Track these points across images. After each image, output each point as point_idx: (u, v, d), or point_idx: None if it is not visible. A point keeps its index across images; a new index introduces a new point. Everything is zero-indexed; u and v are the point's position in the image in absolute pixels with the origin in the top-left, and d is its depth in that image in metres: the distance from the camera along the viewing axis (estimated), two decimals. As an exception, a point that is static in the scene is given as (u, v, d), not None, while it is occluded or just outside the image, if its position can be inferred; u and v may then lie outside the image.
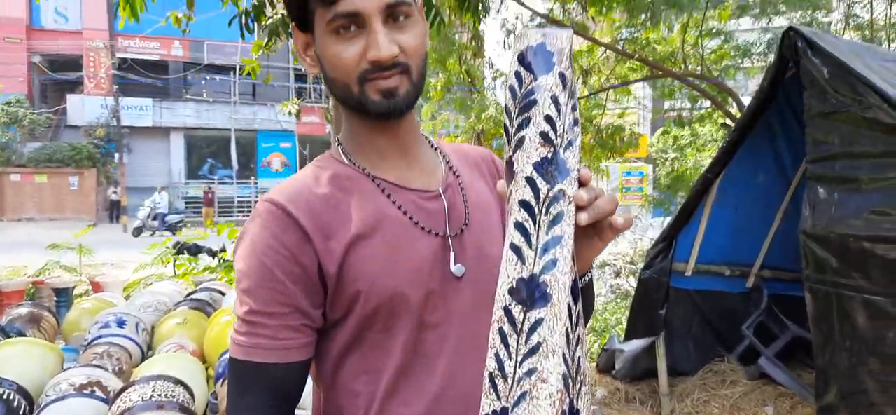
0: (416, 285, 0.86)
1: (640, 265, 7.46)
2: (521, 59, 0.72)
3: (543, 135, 0.70)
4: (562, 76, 0.71)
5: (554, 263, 0.69)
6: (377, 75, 0.85)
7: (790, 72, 2.88)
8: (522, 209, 0.71)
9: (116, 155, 22.15)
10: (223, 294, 3.02)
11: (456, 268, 0.90)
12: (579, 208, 0.71)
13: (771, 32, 5.07)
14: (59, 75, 23.01)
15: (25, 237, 16.13)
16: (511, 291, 0.70)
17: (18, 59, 22.54)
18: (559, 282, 0.69)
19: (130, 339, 2.39)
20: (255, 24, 4.32)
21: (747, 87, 7.48)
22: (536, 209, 0.70)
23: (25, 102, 22.11)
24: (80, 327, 2.61)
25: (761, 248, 4.00)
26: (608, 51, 6.73)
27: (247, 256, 0.84)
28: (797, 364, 3.88)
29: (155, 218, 18.16)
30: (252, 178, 24.79)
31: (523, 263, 0.70)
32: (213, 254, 7.24)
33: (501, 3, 6.51)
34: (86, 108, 22.92)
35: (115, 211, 21.83)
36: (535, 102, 0.71)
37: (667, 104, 9.51)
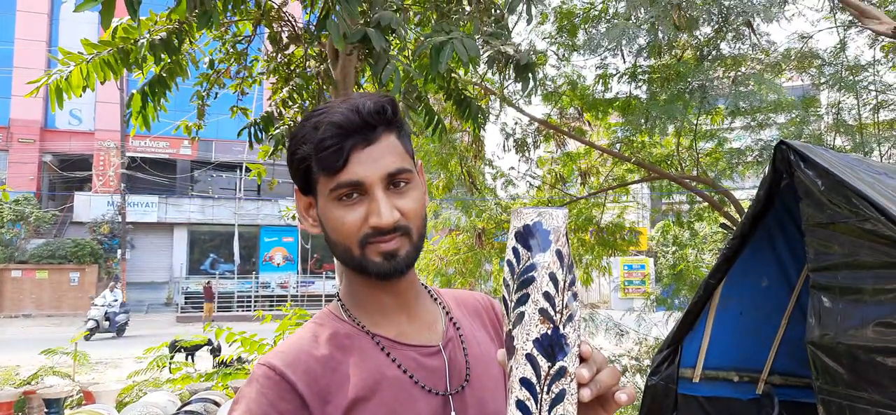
0: None
1: (646, 362, 7.32)
2: (518, 237, 0.73)
3: (543, 311, 0.71)
4: (559, 254, 0.72)
5: None
6: (378, 239, 0.87)
7: (784, 182, 2.92)
8: (523, 387, 0.71)
9: (119, 251, 22.22)
10: (217, 405, 2.95)
11: None
12: (581, 385, 0.71)
13: (762, 141, 5.21)
14: (68, 174, 23.44)
15: (22, 335, 15.93)
16: None
17: (30, 159, 23.05)
18: None
19: (122, 456, 2.32)
20: (263, 134, 4.46)
21: (743, 186, 7.59)
22: (538, 387, 0.70)
23: (33, 200, 22.42)
24: (71, 443, 2.54)
25: (769, 353, 3.92)
26: (605, 153, 6.88)
27: None
28: (814, 477, 3.72)
29: (107, 319, 16.57)
30: (253, 273, 24.75)
31: None
32: (215, 351, 7.13)
33: (501, 109, 6.71)
34: (92, 205, 23.24)
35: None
36: (533, 279, 0.72)
37: (665, 200, 9.63)
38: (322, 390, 0.84)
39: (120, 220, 22.46)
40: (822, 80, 4.95)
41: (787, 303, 3.87)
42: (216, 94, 4.98)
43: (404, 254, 0.88)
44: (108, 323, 16.30)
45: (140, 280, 23.25)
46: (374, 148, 0.87)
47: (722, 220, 6.06)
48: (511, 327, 0.73)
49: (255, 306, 22.32)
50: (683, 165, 6.04)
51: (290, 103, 4.56)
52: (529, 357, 0.71)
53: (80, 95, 3.68)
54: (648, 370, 3.90)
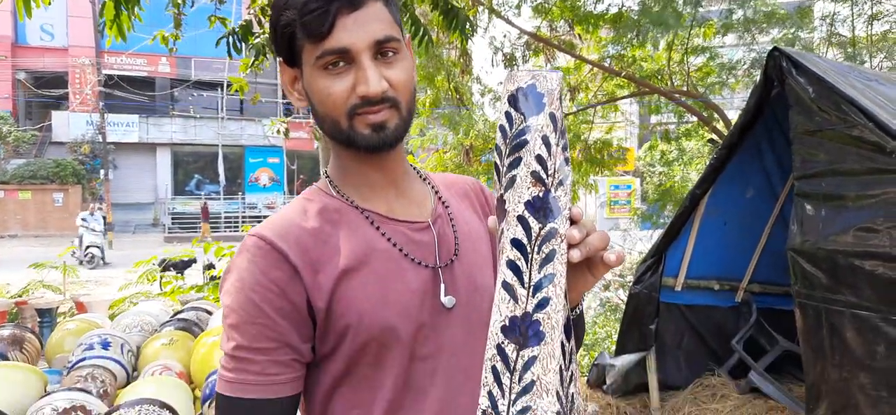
0: (406, 318, 0.85)
1: (630, 279, 7.49)
2: (512, 101, 0.72)
3: (534, 174, 0.71)
4: (552, 117, 0.72)
5: (547, 301, 0.69)
6: (366, 110, 0.85)
7: (775, 90, 2.91)
8: (514, 248, 0.71)
9: (102, 171, 21.97)
10: (210, 313, 2.98)
11: (446, 300, 0.89)
12: (571, 246, 0.71)
13: (755, 51, 5.15)
14: (44, 92, 22.83)
15: (8, 255, 15.91)
16: (504, 330, 0.70)
17: (3, 77, 22.36)
18: (552, 320, 0.69)
19: (115, 361, 2.35)
20: (243, 44, 4.32)
21: (733, 103, 7.58)
22: (528, 248, 0.70)
23: (10, 119, 21.91)
24: (64, 349, 2.56)
25: (750, 262, 4.02)
26: (595, 68, 6.79)
27: (235, 292, 0.83)
28: (787, 378, 3.90)
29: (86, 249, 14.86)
30: (239, 193, 24.67)
31: (516, 301, 0.70)
32: (209, 267, 7.16)
33: (489, 21, 6.55)
34: (71, 124, 22.76)
35: (100, 228, 21.57)
36: (525, 143, 0.71)
37: (653, 119, 9.61)
38: (313, 260, 0.84)
39: (100, 140, 22.07)
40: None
41: (771, 213, 3.94)
42: (193, 3, 4.80)
43: (393, 126, 0.86)
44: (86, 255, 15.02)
45: (125, 201, 23.10)
46: (360, 13, 0.83)
47: (711, 136, 6.08)
48: (502, 191, 0.73)
49: (242, 227, 22.36)
50: (674, 80, 5.99)
51: (270, 11, 4.41)
52: (521, 219, 0.71)
53: (50, 3, 3.51)
54: (631, 282, 3.99)
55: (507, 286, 0.71)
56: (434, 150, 8.31)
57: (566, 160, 0.73)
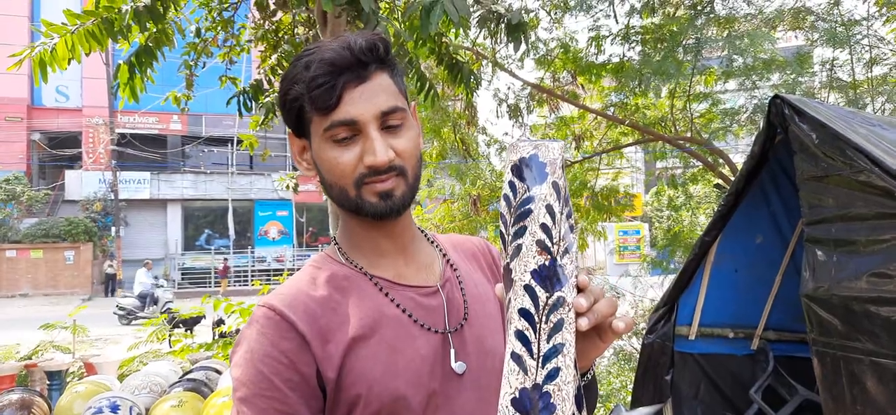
0: (417, 387, 0.85)
1: (643, 326, 7.39)
2: (515, 171, 0.73)
3: (540, 243, 0.71)
4: (555, 186, 0.72)
5: (557, 371, 0.69)
6: (374, 179, 0.86)
7: (779, 137, 2.92)
8: (522, 318, 0.71)
9: (113, 228, 22.16)
10: (219, 373, 2.96)
11: (457, 365, 0.89)
12: (579, 314, 0.71)
13: (756, 98, 5.19)
14: (57, 152, 23.24)
15: (19, 314, 15.93)
16: (514, 402, 0.69)
17: (18, 138, 22.81)
18: (563, 391, 0.69)
19: (124, 425, 2.33)
20: (253, 103, 4.41)
21: (737, 147, 7.60)
22: (536, 317, 0.70)
23: (24, 179, 22.25)
24: (73, 412, 2.55)
25: (764, 309, 3.96)
26: (599, 116, 6.85)
27: (244, 364, 0.83)
28: (807, 429, 3.79)
29: (142, 299, 15.66)
30: (249, 247, 24.76)
31: (525, 372, 0.69)
32: (218, 323, 7.14)
33: (493, 74, 6.66)
34: (84, 183, 23.09)
35: (110, 285, 21.68)
36: (530, 211, 0.71)
37: (659, 164, 9.63)
38: (322, 329, 0.84)
39: (112, 197, 22.34)
40: (816, 36, 4.92)
41: (782, 259, 3.90)
42: (204, 63, 4.92)
43: (400, 194, 0.88)
44: (144, 302, 15.38)
45: (135, 257, 23.20)
46: (366, 86, 0.85)
47: (716, 180, 6.08)
48: (509, 260, 0.73)
49: (252, 280, 22.39)
50: (677, 126, 6.03)
51: (280, 71, 4.51)
52: (528, 288, 0.71)
53: (66, 68, 3.61)
54: (644, 330, 3.94)
55: (516, 357, 0.70)
56: (442, 200, 8.35)
57: (571, 228, 0.74)
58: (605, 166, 7.98)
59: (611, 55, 6.33)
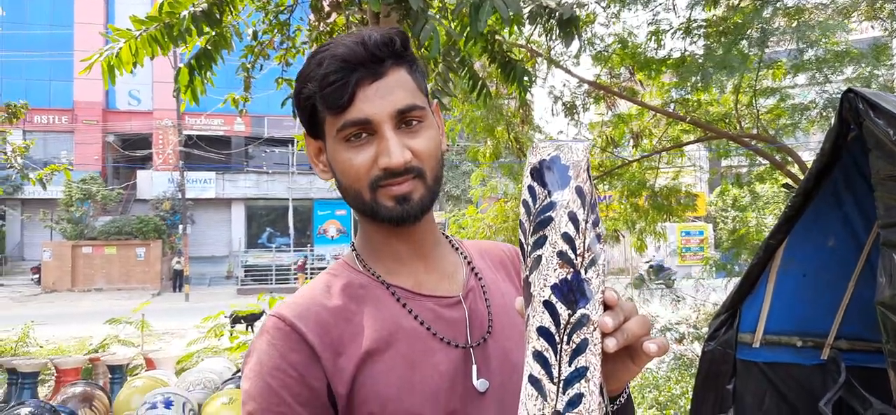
0: (434, 405, 0.79)
1: (704, 329, 7.12)
2: (534, 174, 0.67)
3: (561, 254, 0.64)
4: (579, 191, 0.66)
5: (579, 398, 0.62)
6: (389, 182, 0.82)
7: (852, 133, 2.73)
8: (541, 337, 0.64)
9: (180, 226, 23.13)
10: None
11: (479, 383, 0.82)
12: (605, 334, 0.64)
13: (828, 92, 4.89)
14: (130, 153, 24.44)
15: (93, 308, 16.82)
16: None
17: (93, 140, 24.09)
18: None
19: (178, 419, 2.39)
20: (307, 103, 4.46)
21: (807, 145, 7.20)
22: (557, 337, 0.64)
23: (99, 179, 23.51)
24: (131, 406, 2.64)
25: (835, 317, 3.72)
26: (659, 113, 6.63)
27: (253, 377, 0.79)
28: (884, 446, 3.54)
29: None
30: (308, 245, 25.33)
31: (544, 398, 0.63)
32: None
33: (548, 71, 6.55)
34: (154, 182, 24.19)
35: (178, 280, 22.61)
36: (550, 220, 0.65)
37: (723, 162, 9.26)
38: (334, 340, 0.80)
39: (180, 196, 23.32)
40: (895, 25, 4.59)
41: (855, 263, 3.65)
42: (261, 66, 5.02)
43: (418, 198, 0.83)
44: None
45: (201, 254, 24.16)
46: (381, 83, 0.81)
47: (785, 180, 5.77)
48: (528, 272, 0.67)
49: (310, 278, 22.87)
50: (743, 123, 5.76)
51: (296, 78, 4.56)
52: (547, 304, 0.64)
53: (131, 71, 3.75)
54: (705, 336, 3.77)
55: (534, 381, 0.64)
56: (495, 199, 8.28)
57: (598, 238, 0.67)
58: (665, 165, 7.72)
59: (671, 50, 6.11)
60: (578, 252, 0.65)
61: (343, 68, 0.80)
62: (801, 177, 5.54)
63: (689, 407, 4.05)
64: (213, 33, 3.85)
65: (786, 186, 5.84)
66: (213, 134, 25.04)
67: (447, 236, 0.97)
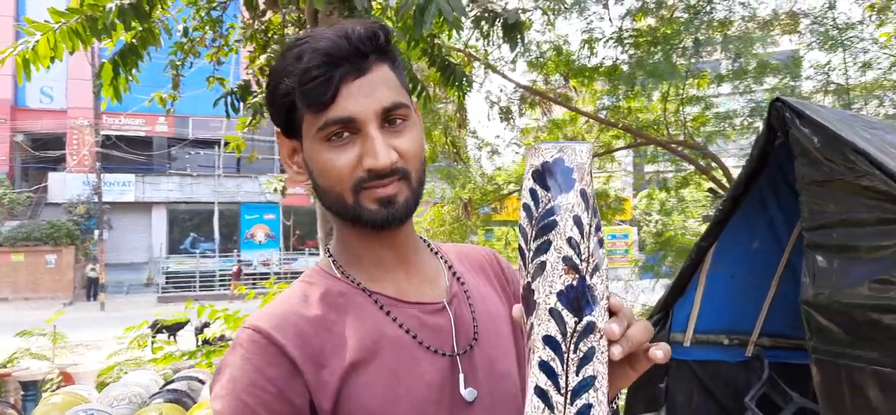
0: None
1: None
2: (537, 177, 0.64)
3: (567, 260, 0.62)
4: (583, 194, 0.63)
5: (588, 409, 0.60)
6: (374, 184, 0.77)
7: (779, 140, 2.87)
8: (547, 347, 0.62)
9: (96, 231, 21.88)
10: (202, 382, 2.86)
11: (467, 392, 0.79)
12: (611, 342, 0.63)
13: (753, 101, 5.17)
14: (41, 154, 22.93)
15: (-1, 319, 15.63)
16: None
17: (1, 139, 22.48)
18: None
19: (102, 438, 2.23)
20: (241, 104, 4.32)
21: (729, 151, 7.60)
22: (564, 346, 0.61)
23: (6, 182, 21.92)
24: (49, 426, 2.44)
25: (759, 315, 3.92)
26: (591, 119, 6.82)
27: (226, 395, 0.73)
28: (803, 437, 3.75)
29: None
30: (235, 251, 24.54)
31: (552, 410, 0.61)
32: (201, 330, 7.00)
33: (485, 76, 6.61)
34: (67, 185, 22.77)
35: (92, 288, 21.36)
36: (554, 224, 0.63)
37: (648, 167, 9.63)
38: (315, 352, 0.75)
39: (96, 200, 22.04)
40: (811, 38, 4.91)
41: (777, 266, 3.86)
42: (191, 64, 4.81)
43: (403, 200, 0.79)
44: None
45: (119, 261, 22.93)
46: (366, 79, 0.76)
47: (709, 185, 6.05)
48: (530, 279, 0.64)
49: (246, 287, 22.15)
50: (670, 130, 6.00)
51: (269, 72, 4.42)
52: (553, 312, 0.62)
53: (49, 67, 3.51)
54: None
55: (540, 392, 0.61)
56: (432, 203, 8.28)
57: (600, 243, 0.65)
58: (597, 170, 7.95)
59: (604, 58, 6.30)
60: (584, 258, 0.63)
61: (325, 63, 0.75)
62: (725, 181, 5.83)
63: (623, 406, 4.16)
64: (141, 28, 3.65)
65: (711, 190, 6.13)
66: (133, 134, 23.82)
67: (425, 240, 0.93)
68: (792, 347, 3.91)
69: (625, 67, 5.86)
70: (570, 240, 0.62)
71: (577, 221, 0.63)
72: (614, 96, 6.36)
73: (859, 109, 4.70)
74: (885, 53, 4.78)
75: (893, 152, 2.39)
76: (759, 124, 5.38)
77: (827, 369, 2.48)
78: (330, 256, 0.87)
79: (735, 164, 6.37)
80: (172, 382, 2.85)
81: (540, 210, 0.64)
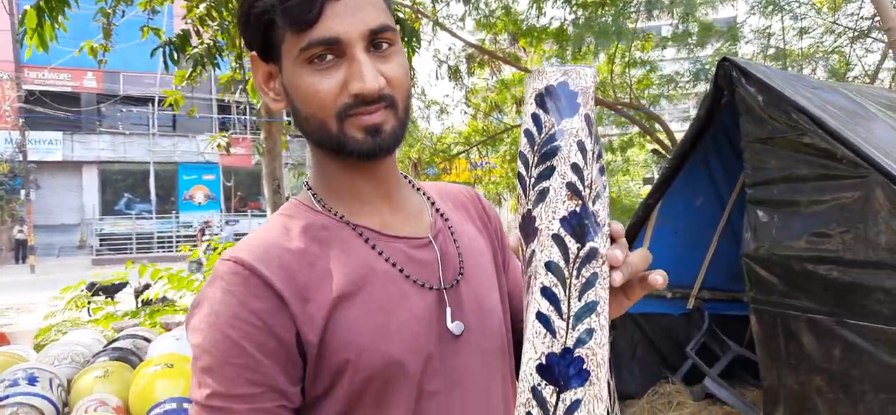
0: (412, 350, 0.74)
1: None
2: (539, 101, 0.63)
3: (570, 186, 0.61)
4: (587, 119, 0.63)
5: (590, 333, 0.60)
6: (360, 110, 0.73)
7: (724, 99, 2.96)
8: (550, 272, 0.61)
9: (22, 192, 20.70)
10: (148, 341, 2.77)
11: (454, 326, 0.78)
12: (613, 267, 0.63)
13: (698, 63, 5.31)
14: (-45, 108, 21.36)
15: (-85, 285, 14.68)
16: (540, 369, 0.60)
17: None
18: (597, 356, 0.60)
19: (44, 397, 2.14)
20: (179, 55, 4.10)
21: (672, 114, 7.81)
22: (566, 272, 0.61)
23: (-83, 138, 20.38)
24: (-17, 388, 2.31)
25: (700, 270, 4.09)
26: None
27: (207, 329, 0.69)
28: (739, 383, 3.97)
29: None
30: (173, 212, 23.74)
31: (553, 335, 0.60)
32: (141, 291, 6.75)
33: (433, 34, 6.52)
34: (-13, 143, 21.38)
35: (21, 251, 20.31)
36: (558, 149, 0.62)
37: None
38: (301, 286, 0.72)
39: (21, 158, 20.80)
40: (753, 1, 5.06)
41: (718, 222, 4.03)
42: (123, 12, 4.53)
43: (390, 129, 0.75)
44: None
45: (49, 223, 21.81)
46: None
47: (653, 146, 6.22)
48: (531, 206, 0.63)
49: (177, 246, 21.49)
50: (616, 92, 6.10)
51: (209, 21, 4.20)
52: (556, 238, 0.61)
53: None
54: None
55: (542, 317, 0.61)
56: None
57: (601, 170, 0.64)
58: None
59: (552, 19, 6.32)
60: (587, 183, 0.62)
61: None
62: (668, 142, 6.00)
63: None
64: (69, -30, 3.40)
65: (654, 151, 6.29)
66: (59, 90, 22.46)
67: (406, 177, 0.91)
68: (729, 299, 4.12)
69: (572, 28, 5.90)
70: (574, 166, 0.62)
71: (581, 147, 0.62)
72: (562, 58, 6.41)
73: (797, 72, 4.91)
74: (822, 20, 4.98)
75: (833, 111, 2.50)
76: (702, 87, 5.55)
77: (765, 319, 2.61)
78: (309, 188, 0.83)
79: (679, 128, 6.56)
80: (116, 340, 2.74)
81: (542, 135, 0.63)
